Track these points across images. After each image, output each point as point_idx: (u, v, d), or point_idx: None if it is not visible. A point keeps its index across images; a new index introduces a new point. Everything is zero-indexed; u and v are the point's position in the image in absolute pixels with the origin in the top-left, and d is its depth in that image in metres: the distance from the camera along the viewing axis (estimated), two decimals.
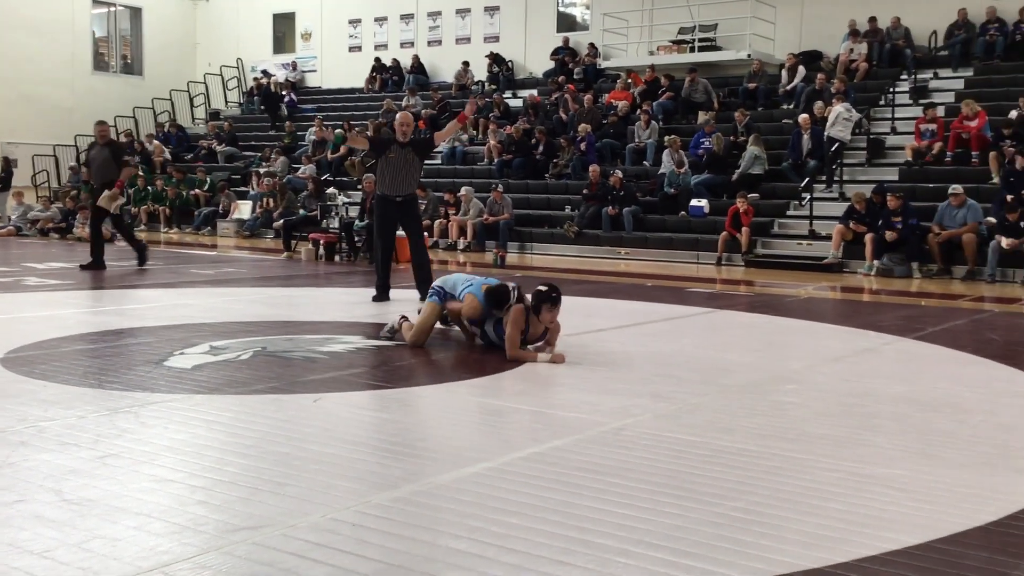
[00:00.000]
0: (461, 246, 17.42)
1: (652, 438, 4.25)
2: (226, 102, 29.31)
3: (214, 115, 28.09)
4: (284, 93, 27.15)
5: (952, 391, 5.48)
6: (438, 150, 22.06)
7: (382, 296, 9.08)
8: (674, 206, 16.72)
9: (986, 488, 3.62)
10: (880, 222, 13.72)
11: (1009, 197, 13.16)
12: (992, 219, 13.32)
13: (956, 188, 13.64)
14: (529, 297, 6.22)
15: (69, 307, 8.56)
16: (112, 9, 29.10)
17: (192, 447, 4.01)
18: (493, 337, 6.42)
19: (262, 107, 26.75)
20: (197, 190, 22.71)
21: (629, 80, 20.82)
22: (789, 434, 4.37)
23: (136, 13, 29.43)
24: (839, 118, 16.27)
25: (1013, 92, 16.58)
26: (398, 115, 9.35)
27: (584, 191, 17.39)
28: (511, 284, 6.43)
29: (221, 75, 29.39)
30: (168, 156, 25.16)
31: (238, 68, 29.64)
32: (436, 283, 6.76)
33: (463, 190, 17.95)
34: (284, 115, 26.10)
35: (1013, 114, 15.59)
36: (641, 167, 18.31)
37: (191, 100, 29.14)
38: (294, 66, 28.28)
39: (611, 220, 16.69)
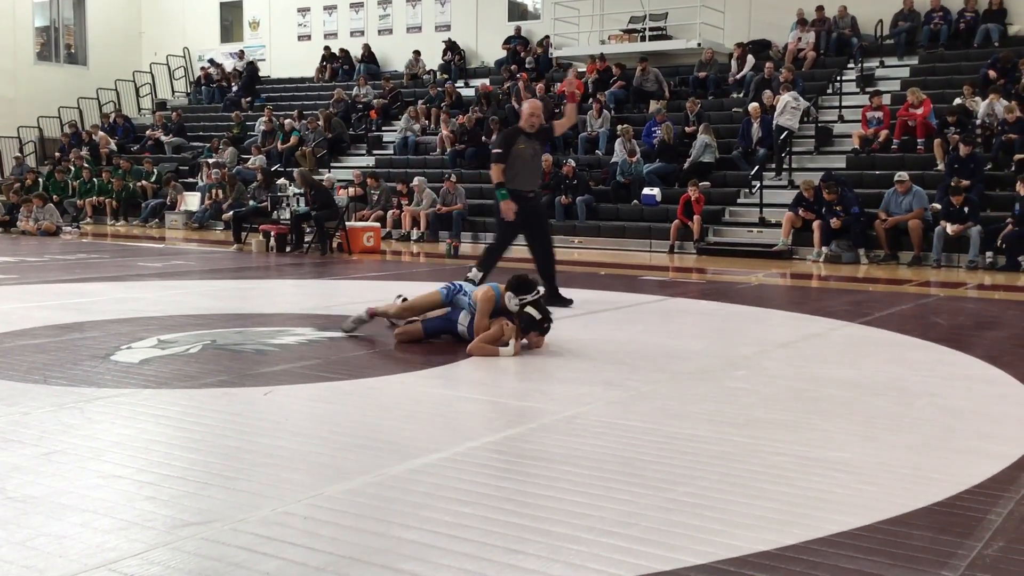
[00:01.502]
0: (414, 237, 17.35)
1: (604, 425, 4.27)
2: (173, 92, 28.88)
3: (161, 105, 27.67)
4: (236, 80, 26.80)
5: (898, 375, 5.57)
6: (389, 140, 21.95)
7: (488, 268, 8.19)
8: (627, 195, 16.80)
9: (930, 469, 3.69)
10: (824, 209, 13.93)
11: (954, 180, 13.41)
12: (937, 205, 13.55)
13: (902, 175, 13.86)
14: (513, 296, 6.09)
15: (12, 302, 8.38)
16: None
17: (140, 442, 3.95)
18: (465, 335, 6.20)
19: (240, 93, 26.19)
20: (144, 182, 22.35)
21: (586, 70, 20.83)
22: (739, 419, 4.42)
23: (79, 1, 28.85)
24: (787, 107, 16.44)
25: (957, 80, 16.87)
26: (526, 104, 8.22)
27: None
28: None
29: (167, 64, 28.95)
30: (114, 147, 24.76)
31: (185, 57, 29.21)
32: (452, 282, 6.60)
33: (416, 180, 17.87)
34: (258, 99, 25.78)
35: (957, 102, 15.87)
36: (593, 156, 18.37)
37: (137, 90, 28.67)
38: (241, 55, 27.92)
39: (564, 209, 16.72)
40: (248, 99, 25.66)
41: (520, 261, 9.03)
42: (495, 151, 8.08)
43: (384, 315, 6.73)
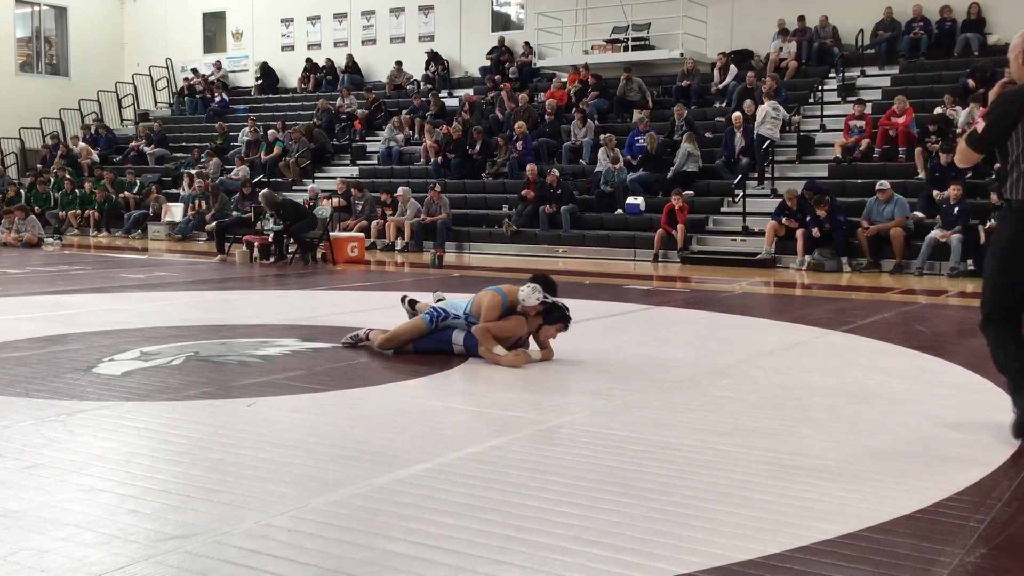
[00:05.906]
0: (399, 247, 17.33)
1: (590, 435, 4.27)
2: (155, 103, 28.79)
3: (143, 116, 27.57)
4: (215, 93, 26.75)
5: (881, 382, 5.59)
6: (373, 150, 21.95)
7: None
8: (611, 204, 16.84)
9: (913, 477, 3.71)
10: (808, 218, 14.01)
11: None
12: (919, 213, 13.66)
13: (883, 184, 13.95)
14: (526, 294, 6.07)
15: None
16: (36, 8, 28.36)
17: (122, 455, 3.92)
18: (463, 352, 6.12)
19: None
20: (126, 192, 22.26)
21: (565, 80, 20.91)
22: (724, 428, 4.43)
23: (61, 12, 28.73)
24: (767, 116, 16.55)
25: (937, 89, 17.01)
26: (1015, 41, 4.27)
27: (522, 190, 17.42)
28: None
29: (150, 75, 28.86)
30: (96, 158, 24.64)
31: (167, 68, 29.12)
32: (436, 306, 6.39)
33: (400, 190, 17.87)
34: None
35: (938, 110, 15.99)
36: (578, 165, 18.42)
37: (119, 101, 28.57)
38: (218, 66, 27.85)
39: (548, 218, 16.75)
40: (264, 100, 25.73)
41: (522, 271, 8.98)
42: (977, 130, 4.28)
43: (371, 342, 6.45)
